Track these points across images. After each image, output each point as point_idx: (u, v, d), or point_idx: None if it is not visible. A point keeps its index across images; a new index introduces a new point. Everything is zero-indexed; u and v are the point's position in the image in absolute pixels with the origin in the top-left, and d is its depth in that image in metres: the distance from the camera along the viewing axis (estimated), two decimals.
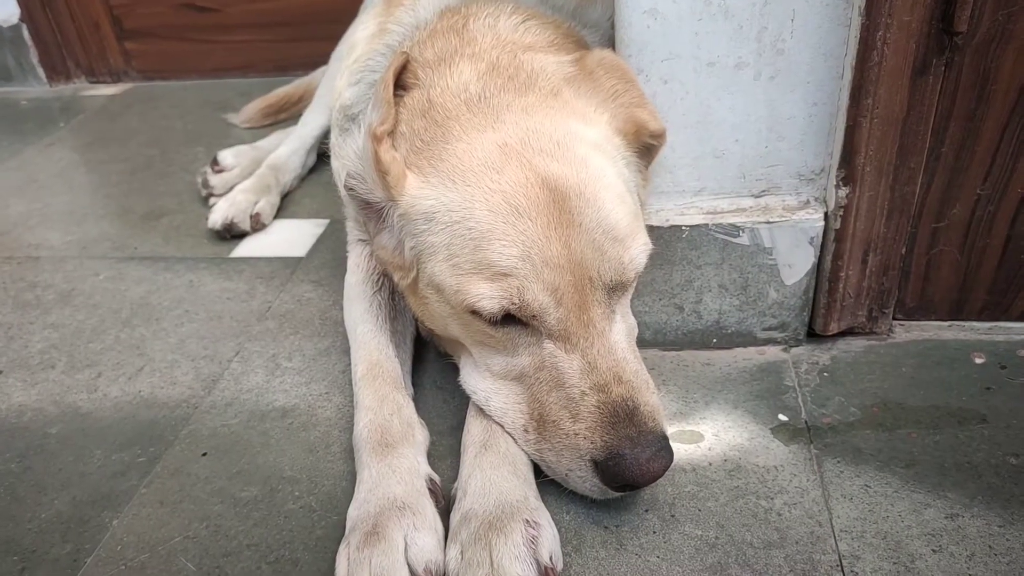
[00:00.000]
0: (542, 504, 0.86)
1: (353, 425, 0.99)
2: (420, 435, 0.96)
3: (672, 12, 0.92)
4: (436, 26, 1.01)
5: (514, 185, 0.82)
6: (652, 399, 0.85)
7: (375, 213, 0.94)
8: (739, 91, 0.96)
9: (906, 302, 1.08)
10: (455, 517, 0.85)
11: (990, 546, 0.80)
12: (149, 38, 2.57)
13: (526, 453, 0.90)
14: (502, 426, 0.92)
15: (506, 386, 0.91)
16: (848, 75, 0.91)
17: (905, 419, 0.97)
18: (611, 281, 0.84)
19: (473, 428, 0.94)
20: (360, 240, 1.27)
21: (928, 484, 0.88)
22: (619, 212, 0.84)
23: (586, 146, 0.86)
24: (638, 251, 0.85)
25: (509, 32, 0.98)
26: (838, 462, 0.92)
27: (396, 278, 0.97)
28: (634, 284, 0.91)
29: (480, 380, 0.94)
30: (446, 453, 1.00)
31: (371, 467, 0.90)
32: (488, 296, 0.81)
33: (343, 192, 0.98)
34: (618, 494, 0.86)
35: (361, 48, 1.19)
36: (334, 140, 1.19)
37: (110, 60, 2.61)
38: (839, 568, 0.80)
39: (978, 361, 1.04)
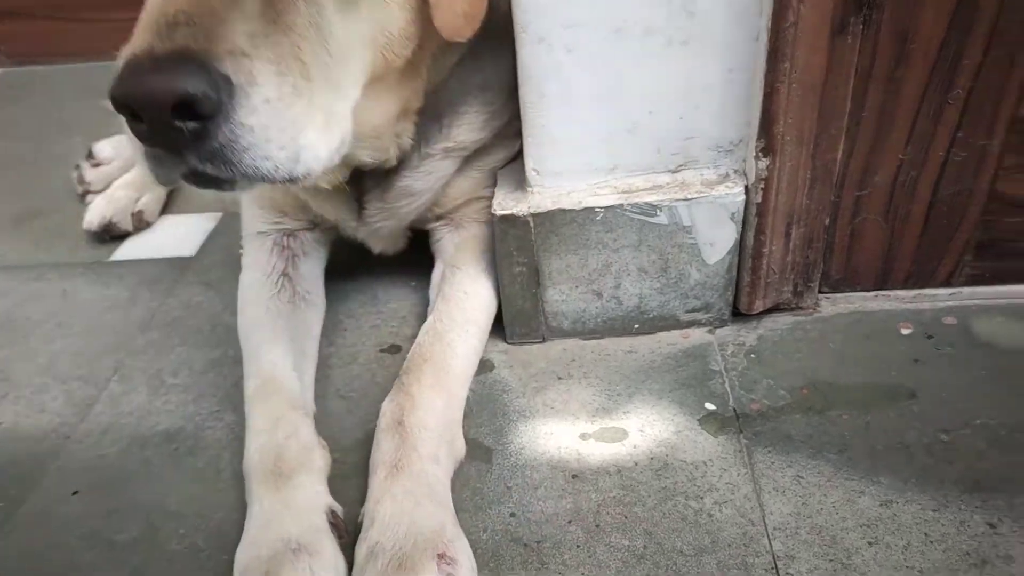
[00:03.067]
0: (460, 531, 0.77)
1: (244, 446, 0.88)
2: (320, 459, 0.86)
3: None
4: None
5: None
6: (237, 37, 0.64)
7: None
8: (650, 59, 0.88)
9: (831, 274, 1.04)
10: (361, 550, 0.75)
11: (926, 533, 0.76)
12: (20, 18, 2.32)
13: None
14: None
15: None
16: (764, 37, 0.85)
17: (835, 399, 0.92)
18: None
19: (384, 445, 0.84)
20: (259, 233, 1.15)
21: (861, 470, 0.83)
22: None
23: None
24: None
25: None
26: (769, 452, 0.87)
27: None
28: None
29: None
30: (351, 472, 0.91)
31: (263, 501, 0.80)
32: None
33: None
34: (144, 146, 0.67)
35: None
36: None
37: None
38: (774, 570, 0.74)
39: (905, 332, 1.00)
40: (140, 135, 0.66)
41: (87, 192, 1.56)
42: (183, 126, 0.63)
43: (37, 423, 1.03)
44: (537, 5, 0.85)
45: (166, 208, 1.53)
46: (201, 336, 1.17)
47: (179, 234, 1.45)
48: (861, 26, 0.84)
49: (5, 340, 1.19)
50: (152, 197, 1.49)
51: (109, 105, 1.96)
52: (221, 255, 1.36)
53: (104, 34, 2.46)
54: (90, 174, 1.57)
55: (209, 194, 1.59)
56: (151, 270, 1.34)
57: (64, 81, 2.24)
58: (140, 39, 0.64)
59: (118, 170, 1.58)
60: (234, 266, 1.17)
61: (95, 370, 1.12)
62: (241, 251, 1.16)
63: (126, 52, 0.65)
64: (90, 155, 1.60)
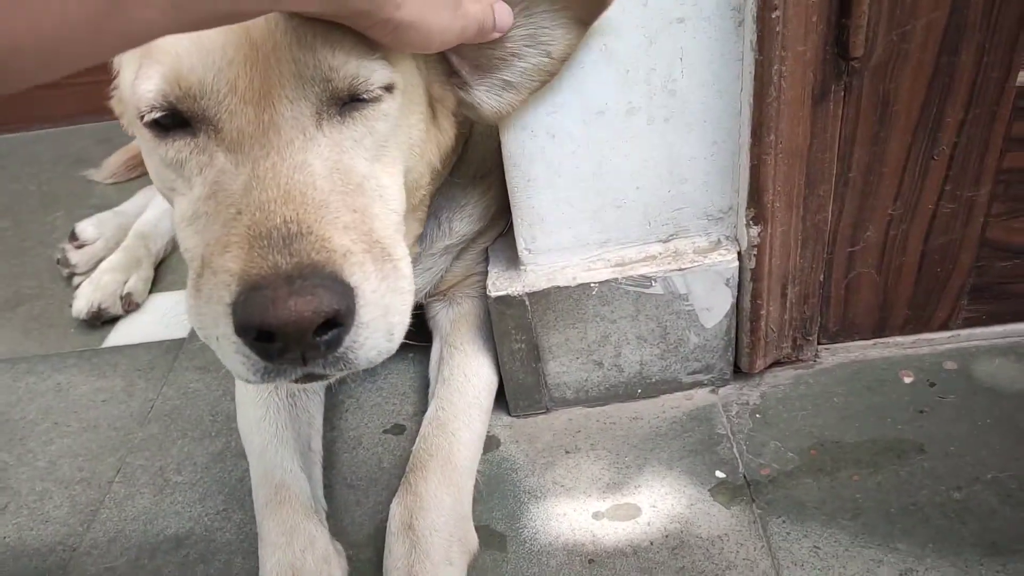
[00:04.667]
0: None
1: (258, 558, 0.87)
2: (338, 569, 0.84)
3: None
4: None
5: None
6: (339, 236, 0.63)
7: None
8: (633, 137, 0.88)
9: (829, 326, 1.04)
10: None
11: None
12: None
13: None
14: None
15: (192, 238, 0.69)
16: (747, 112, 0.85)
17: (844, 459, 0.93)
18: (315, 73, 0.65)
19: (396, 550, 0.83)
20: None
21: (877, 536, 0.84)
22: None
23: None
24: (362, 60, 0.65)
25: None
26: (783, 522, 0.87)
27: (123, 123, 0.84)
28: (382, 110, 0.70)
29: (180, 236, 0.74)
30: (366, 568, 0.90)
31: None
32: (146, 77, 0.65)
33: None
34: (265, 362, 0.63)
35: None
36: None
37: None
38: None
39: (907, 381, 1.01)
40: (268, 354, 0.62)
41: (72, 275, 1.54)
42: (320, 340, 0.61)
43: (41, 535, 1.01)
44: None
45: (155, 285, 1.52)
46: (202, 427, 1.16)
47: (170, 313, 1.43)
48: (842, 93, 0.85)
49: (3, 443, 1.17)
50: (139, 277, 1.47)
51: (93, 176, 1.85)
52: None
53: (76, 97, 2.41)
54: (74, 256, 1.55)
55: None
56: (145, 356, 1.33)
57: (40, 149, 2.21)
58: (248, 256, 0.60)
59: (103, 250, 1.56)
60: None
61: (97, 471, 1.10)
62: None
63: (237, 270, 0.60)
64: (73, 236, 1.58)
